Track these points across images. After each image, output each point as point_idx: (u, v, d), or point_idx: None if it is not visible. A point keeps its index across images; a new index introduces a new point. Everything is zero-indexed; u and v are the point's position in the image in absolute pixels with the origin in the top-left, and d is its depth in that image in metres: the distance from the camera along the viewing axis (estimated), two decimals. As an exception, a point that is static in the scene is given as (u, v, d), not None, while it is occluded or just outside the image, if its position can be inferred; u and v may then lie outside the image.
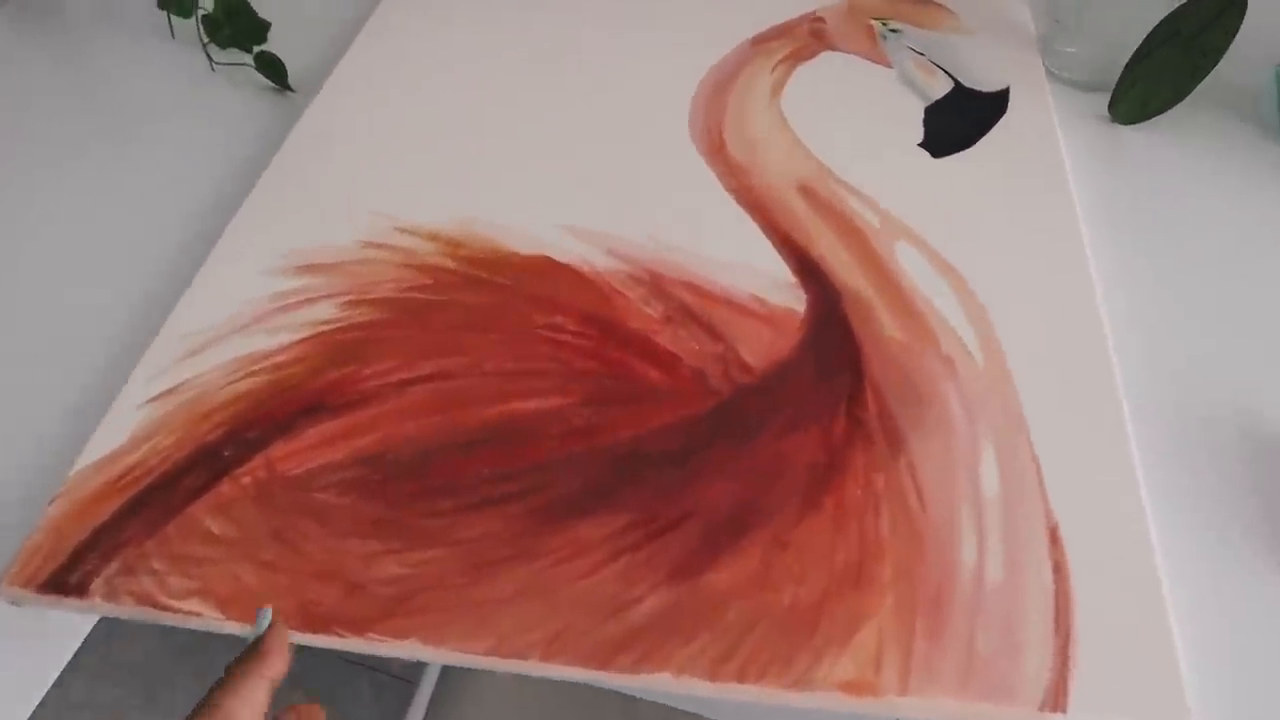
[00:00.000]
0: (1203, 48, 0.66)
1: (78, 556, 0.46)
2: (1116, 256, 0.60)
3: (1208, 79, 0.67)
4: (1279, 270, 0.60)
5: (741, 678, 0.42)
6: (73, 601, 0.45)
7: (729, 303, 0.55)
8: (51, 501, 0.48)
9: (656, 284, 0.56)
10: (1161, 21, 0.65)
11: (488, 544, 0.46)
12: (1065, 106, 0.70)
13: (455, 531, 0.47)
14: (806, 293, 0.55)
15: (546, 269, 0.57)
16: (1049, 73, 0.73)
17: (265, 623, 0.42)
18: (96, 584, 0.45)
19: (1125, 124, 0.69)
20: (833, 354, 0.53)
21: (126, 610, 0.44)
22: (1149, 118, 0.69)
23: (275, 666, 0.40)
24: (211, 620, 0.44)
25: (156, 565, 0.46)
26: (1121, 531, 0.47)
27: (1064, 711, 0.41)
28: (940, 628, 0.43)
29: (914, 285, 0.56)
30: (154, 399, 0.51)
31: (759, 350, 0.53)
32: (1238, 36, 0.65)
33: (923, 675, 0.42)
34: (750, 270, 0.57)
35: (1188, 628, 0.45)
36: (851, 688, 0.42)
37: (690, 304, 0.55)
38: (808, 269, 0.57)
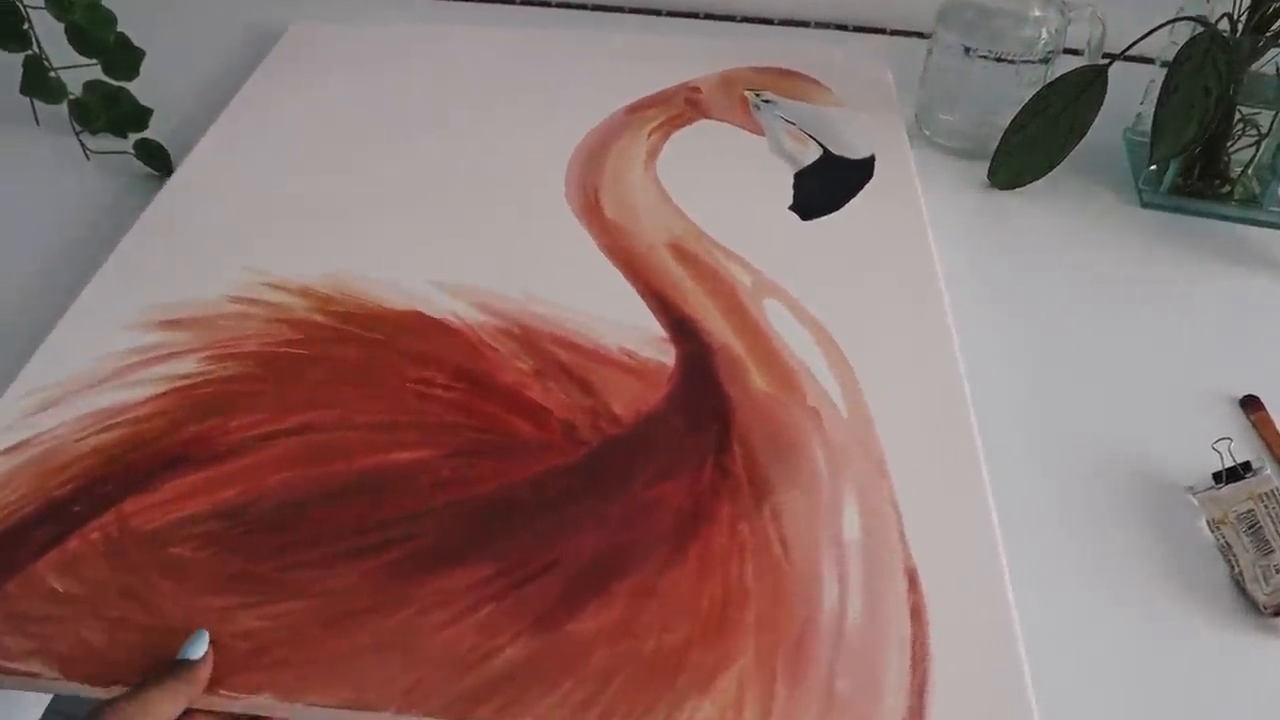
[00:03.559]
0: (1070, 122, 0.71)
1: (-92, 619, 0.44)
2: (981, 311, 0.63)
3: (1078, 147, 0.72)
4: (1133, 320, 0.64)
5: (603, 725, 0.42)
6: (-103, 665, 0.42)
7: (599, 357, 0.56)
8: (-118, 561, 0.45)
9: (528, 338, 0.57)
10: (1033, 98, 0.71)
11: (348, 596, 0.45)
12: (951, 173, 0.75)
13: (316, 584, 0.46)
14: (676, 347, 0.56)
15: (418, 324, 0.57)
16: (929, 141, 0.77)
17: (195, 653, 0.42)
18: (-73, 645, 0.43)
19: (1003, 189, 0.74)
20: (701, 406, 0.54)
21: (-41, 673, 0.42)
22: (1024, 184, 0.74)
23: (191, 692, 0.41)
24: (49, 681, 0.42)
25: (-7, 625, 0.44)
26: (977, 575, 0.48)
27: (919, 751, 0.42)
28: (801, 671, 0.44)
29: (782, 340, 0.57)
30: (1, 453, 0.50)
31: (628, 403, 0.54)
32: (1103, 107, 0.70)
33: (783, 718, 0.42)
34: (620, 326, 0.57)
35: (1042, 669, 0.46)
36: (712, 733, 0.42)
37: (561, 358, 0.56)
38: (678, 325, 0.58)
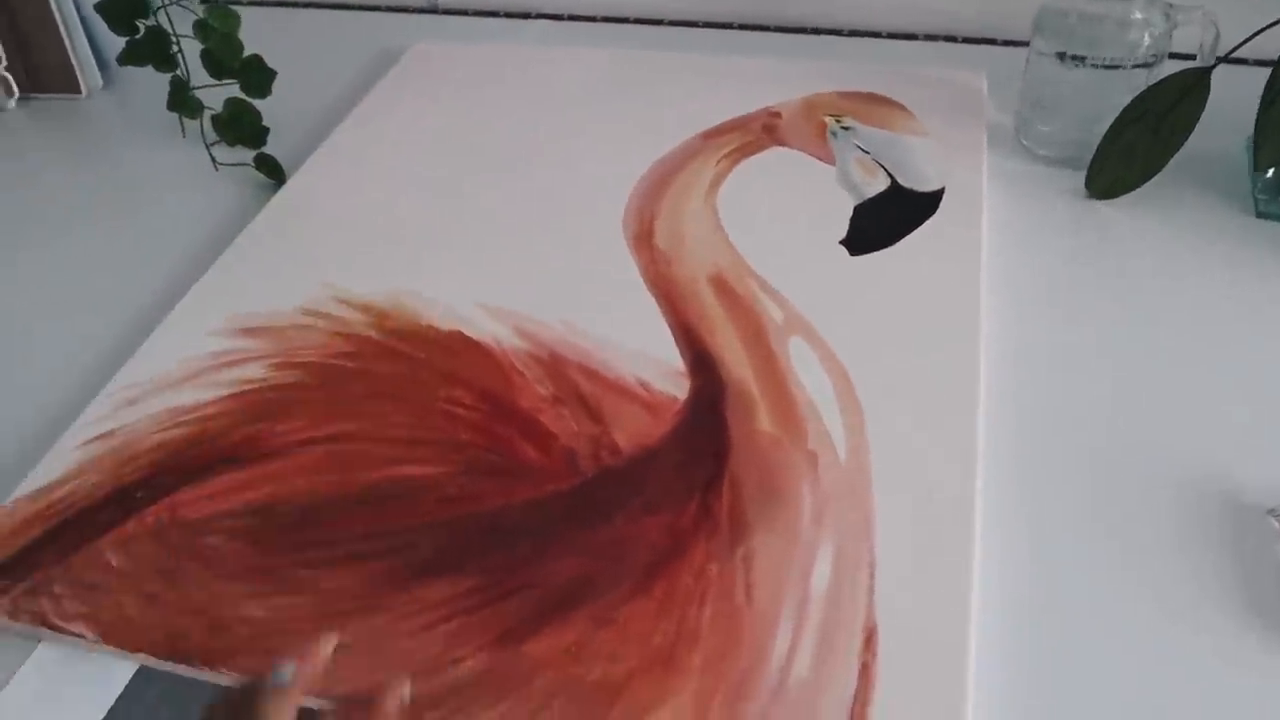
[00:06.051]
0: (1171, 126, 0.67)
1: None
2: (1066, 325, 0.63)
3: (1181, 152, 0.68)
4: (1235, 335, 0.61)
5: (534, 744, 0.45)
6: (-20, 614, 0.51)
7: (616, 387, 0.58)
8: (-14, 525, 0.54)
9: (554, 364, 0.60)
10: (1132, 102, 0.67)
11: (342, 596, 0.51)
12: (1048, 183, 0.73)
13: (318, 582, 0.51)
14: (690, 381, 0.58)
15: (458, 345, 0.61)
16: (1029, 152, 0.75)
17: (285, 676, 0.40)
18: (3, 602, 0.51)
19: (1101, 199, 0.71)
20: (701, 443, 0.55)
21: (23, 628, 0.50)
22: (1123, 193, 0.70)
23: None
24: (90, 643, 0.50)
25: (58, 589, 0.52)
26: (939, 643, 0.47)
27: (835, 811, 0.42)
28: (734, 717, 0.45)
29: (799, 380, 0.58)
30: (90, 441, 0.58)
31: (633, 435, 0.56)
32: (1206, 111, 0.66)
33: (705, 761, 0.44)
34: (645, 357, 0.60)
35: (1092, 686, 0.46)
36: (632, 766, 0.44)
37: (580, 386, 0.58)
38: (700, 359, 0.59)
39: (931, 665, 0.46)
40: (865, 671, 0.46)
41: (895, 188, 0.69)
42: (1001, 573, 0.51)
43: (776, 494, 0.53)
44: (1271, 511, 0.51)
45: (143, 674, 0.51)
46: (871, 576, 0.49)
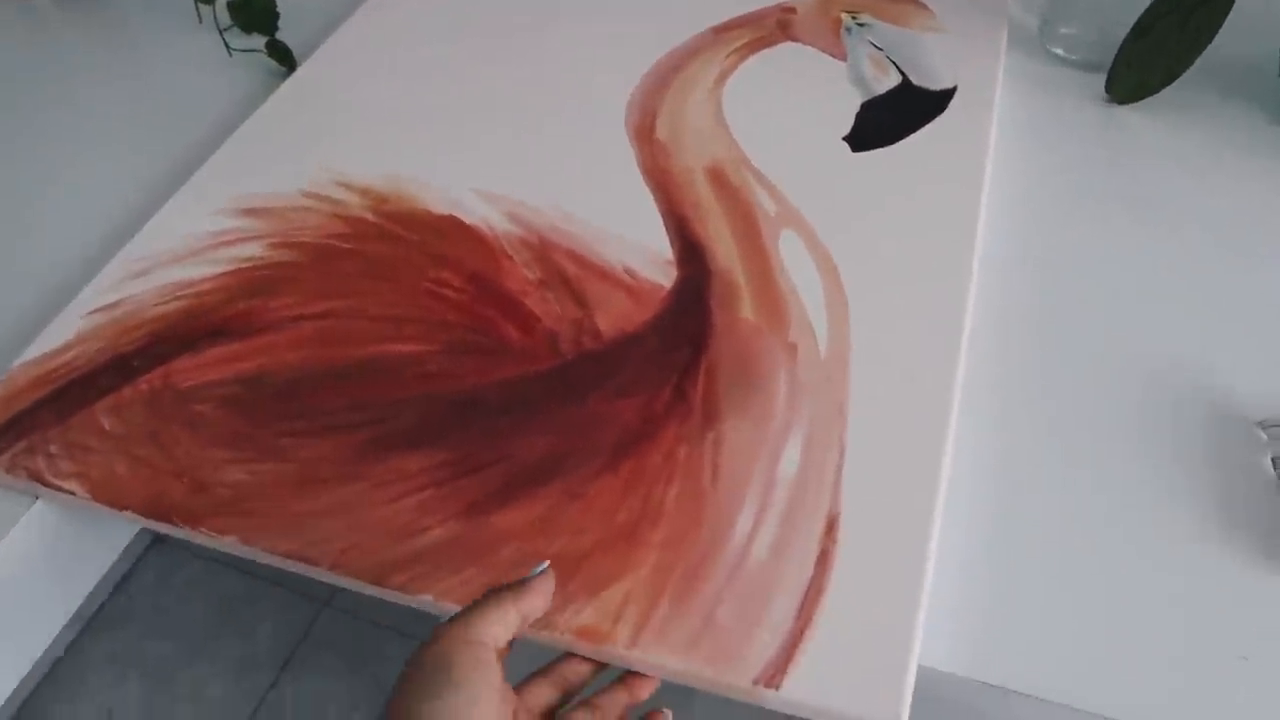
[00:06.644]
0: (1197, 26, 0.64)
1: (-2, 434, 0.55)
2: (1073, 227, 0.61)
3: (1205, 56, 0.66)
4: (1250, 246, 0.60)
5: (491, 611, 0.46)
6: (-22, 469, 0.53)
7: (602, 273, 0.58)
8: (-10, 386, 0.57)
9: (543, 249, 0.60)
10: (1155, 0, 0.64)
11: (322, 464, 0.52)
12: (1064, 88, 0.70)
13: (299, 450, 0.53)
14: (678, 270, 0.58)
15: (450, 228, 0.62)
16: (1051, 55, 0.72)
17: (539, 569, 0.43)
18: (2, 459, 0.53)
19: (1122, 103, 0.68)
20: (682, 330, 0.55)
21: (19, 483, 0.53)
22: (1145, 96, 0.68)
23: (532, 603, 0.42)
24: (81, 499, 0.52)
25: (53, 449, 0.54)
26: (900, 535, 0.47)
27: (777, 689, 0.43)
28: (688, 595, 0.46)
29: (786, 272, 0.57)
30: (95, 310, 0.60)
31: (615, 320, 0.56)
32: (1233, 13, 0.64)
33: (655, 634, 0.45)
34: (635, 245, 0.59)
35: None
36: (585, 633, 0.45)
37: (567, 271, 0.58)
38: (690, 249, 0.59)
39: (889, 559, 0.47)
40: (824, 558, 0.47)
41: (905, 85, 0.67)
42: (972, 471, 0.51)
43: (753, 381, 0.53)
44: (1260, 424, 0.50)
45: (142, 535, 0.53)
46: (840, 464, 0.49)
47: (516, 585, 0.42)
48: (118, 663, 1.16)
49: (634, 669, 0.45)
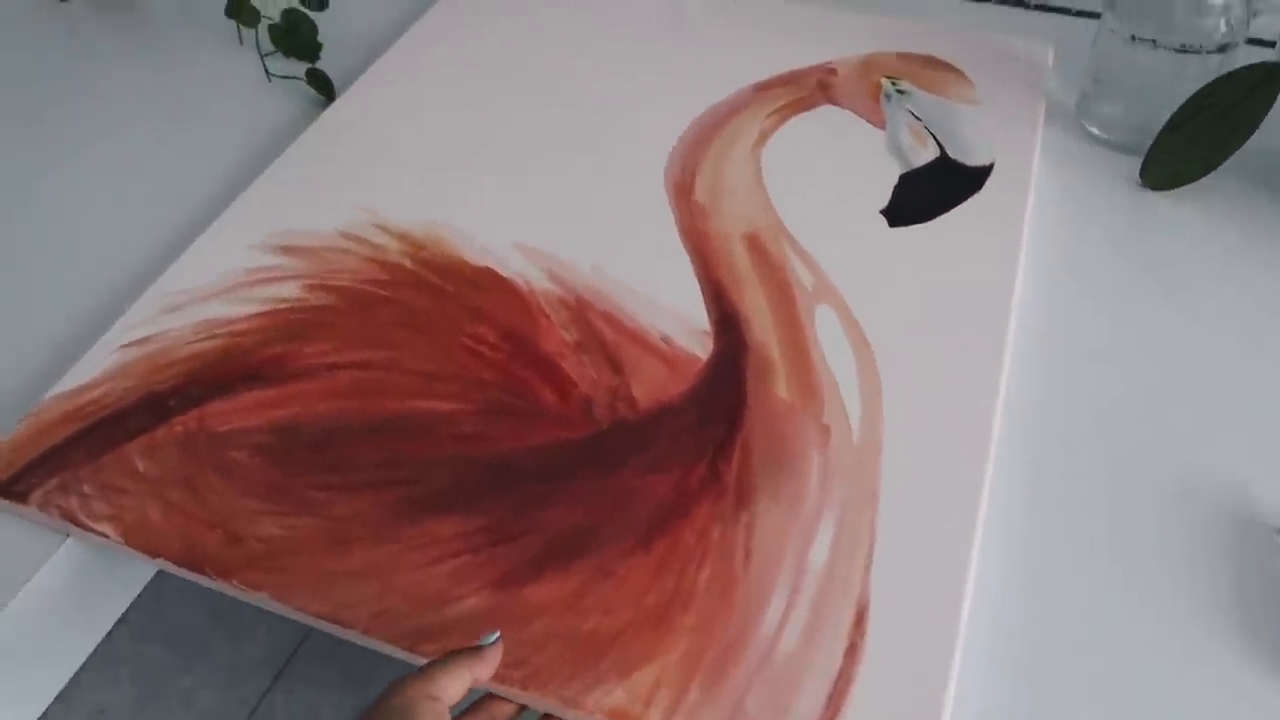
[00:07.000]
0: (1236, 120, 0.65)
1: (29, 469, 0.54)
2: (1095, 316, 0.62)
3: (1241, 149, 0.66)
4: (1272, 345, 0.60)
5: (524, 685, 0.46)
6: (10, 505, 0.53)
7: (639, 339, 0.59)
8: (21, 420, 0.56)
9: (580, 309, 0.60)
10: (1198, 92, 0.65)
11: (354, 523, 0.52)
12: (1104, 168, 0.71)
13: (331, 506, 0.53)
14: (715, 342, 0.58)
15: (488, 281, 0.62)
16: (1087, 133, 0.73)
17: (492, 638, 0.46)
18: (35, 495, 0.53)
19: (1155, 190, 0.69)
20: (717, 404, 0.56)
21: (52, 522, 0.53)
22: (1179, 185, 0.69)
23: (484, 670, 0.45)
24: (114, 543, 0.52)
25: (86, 489, 0.54)
26: (928, 627, 0.48)
27: (804, 782, 0.44)
28: (718, 681, 0.46)
29: (821, 350, 0.58)
30: (127, 345, 0.60)
31: (651, 389, 0.56)
32: (1275, 106, 0.64)
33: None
34: (672, 312, 0.60)
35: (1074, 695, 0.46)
36: (617, 715, 0.45)
37: (604, 335, 0.59)
38: (726, 320, 0.59)
39: (918, 653, 0.47)
40: (852, 650, 0.47)
41: (943, 159, 0.67)
42: (1001, 565, 0.51)
43: (786, 463, 0.53)
44: (1278, 530, 0.51)
45: (162, 575, 0.53)
46: (870, 554, 0.50)
47: (473, 650, 0.46)
48: (112, 663, 1.15)
49: (663, 754, 0.46)
